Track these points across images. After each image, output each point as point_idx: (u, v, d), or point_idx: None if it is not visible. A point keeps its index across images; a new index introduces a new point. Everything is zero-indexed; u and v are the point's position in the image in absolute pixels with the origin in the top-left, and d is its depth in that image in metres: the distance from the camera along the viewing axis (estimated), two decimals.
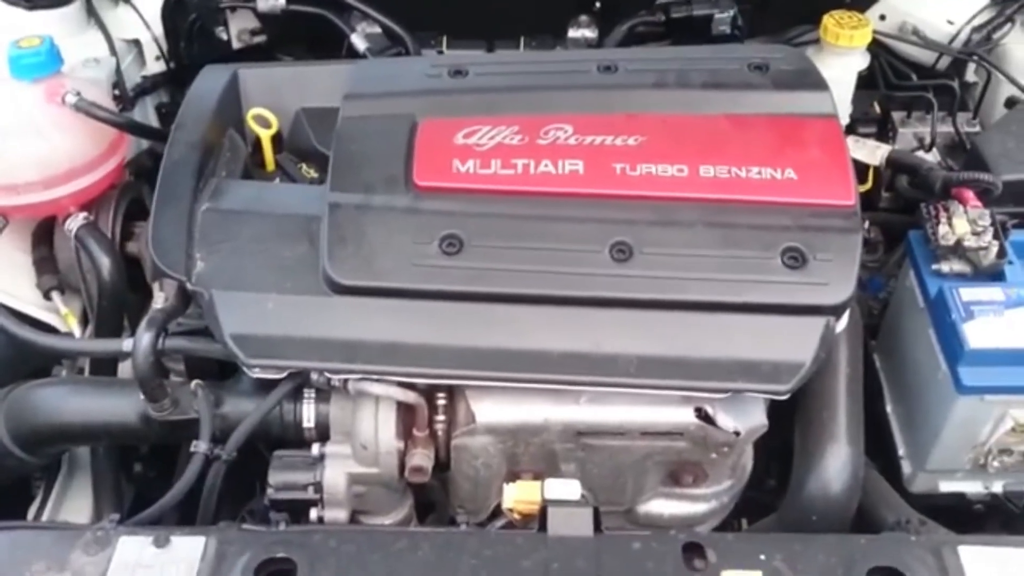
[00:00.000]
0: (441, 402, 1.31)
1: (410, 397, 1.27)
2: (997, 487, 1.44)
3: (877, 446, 1.51)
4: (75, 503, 1.57)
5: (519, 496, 1.18)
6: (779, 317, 1.28)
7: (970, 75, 1.95)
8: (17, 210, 1.57)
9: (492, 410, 1.28)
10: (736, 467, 1.39)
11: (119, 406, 1.35)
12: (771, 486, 1.58)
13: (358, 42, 1.83)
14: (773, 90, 1.50)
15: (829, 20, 1.76)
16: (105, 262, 1.56)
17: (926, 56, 1.91)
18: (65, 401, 1.39)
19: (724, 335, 1.27)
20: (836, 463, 1.35)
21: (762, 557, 1.10)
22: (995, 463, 1.39)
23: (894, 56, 1.91)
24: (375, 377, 1.25)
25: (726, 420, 1.28)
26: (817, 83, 1.51)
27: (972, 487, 1.45)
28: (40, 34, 1.61)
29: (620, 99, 1.49)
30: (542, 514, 1.15)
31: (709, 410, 1.28)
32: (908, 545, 1.13)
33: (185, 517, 1.36)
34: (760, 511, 1.52)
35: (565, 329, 1.27)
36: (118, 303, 1.57)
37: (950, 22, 1.91)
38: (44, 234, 1.70)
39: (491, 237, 1.32)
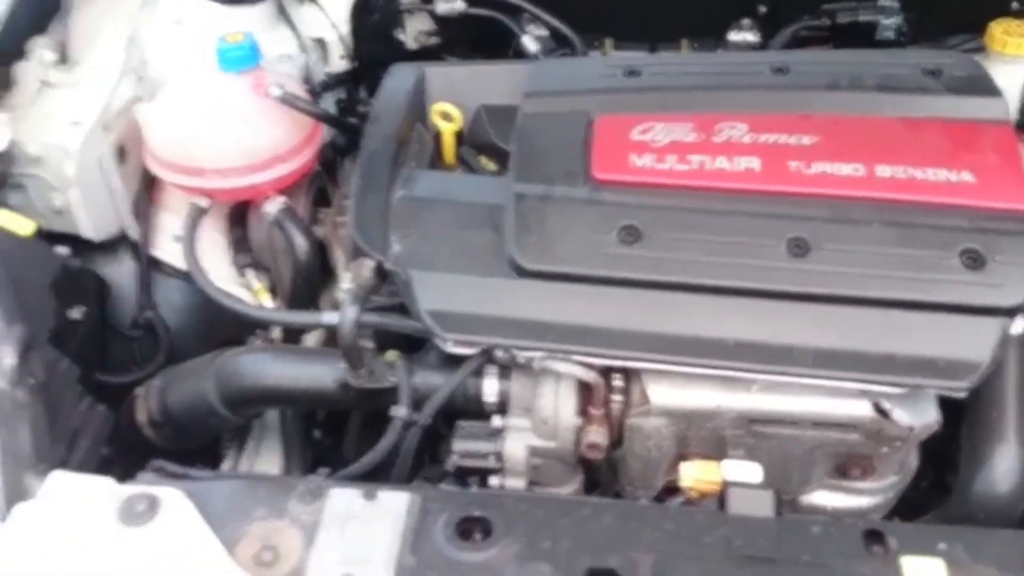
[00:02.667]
0: (617, 383, 1.38)
1: (590, 376, 1.34)
2: None
3: None
4: (265, 462, 1.71)
5: (699, 475, 1.24)
6: (956, 316, 1.31)
7: None
8: (223, 193, 1.71)
9: (667, 393, 1.35)
10: (904, 464, 1.42)
11: (319, 373, 1.47)
12: (924, 486, 1.60)
13: (529, 43, 1.92)
14: (947, 95, 1.53)
15: (996, 28, 1.77)
16: (302, 243, 1.69)
17: None
18: (270, 366, 1.51)
19: (902, 331, 1.30)
20: (1005, 462, 1.37)
21: (942, 546, 1.13)
22: None
23: None
24: (560, 356, 1.33)
25: (902, 415, 1.31)
26: (991, 89, 1.53)
27: None
28: (237, 30, 1.76)
29: (793, 99, 1.54)
30: (722, 493, 1.21)
31: (886, 405, 1.31)
32: None
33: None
34: (914, 511, 1.54)
35: (741, 319, 1.32)
36: (312, 282, 1.70)
37: None
38: (239, 216, 1.85)
39: (668, 228, 1.38)
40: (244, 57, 1.71)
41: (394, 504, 1.21)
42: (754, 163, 1.44)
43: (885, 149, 1.44)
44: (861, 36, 1.88)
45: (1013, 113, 1.80)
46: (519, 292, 1.37)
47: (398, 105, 1.64)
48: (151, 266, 1.80)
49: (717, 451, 1.39)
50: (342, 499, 1.21)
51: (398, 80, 1.71)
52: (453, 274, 1.40)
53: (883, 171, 1.41)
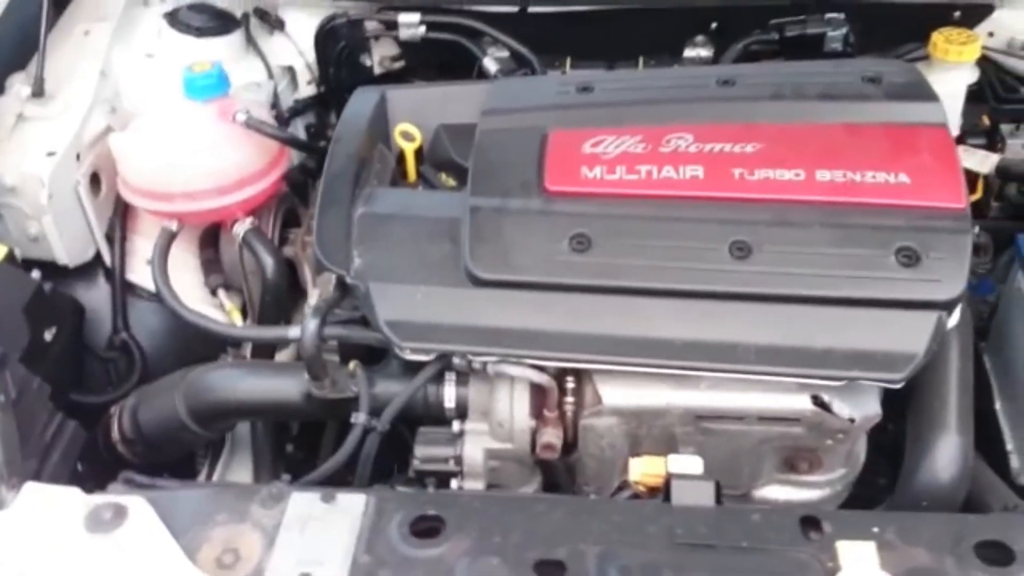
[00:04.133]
0: (570, 385, 1.43)
1: (543, 379, 1.39)
2: None
3: (987, 443, 1.56)
4: (236, 476, 1.76)
5: (645, 470, 1.28)
6: (893, 311, 1.36)
7: None
8: (192, 216, 1.77)
9: (617, 393, 1.40)
10: (850, 455, 1.46)
11: (285, 385, 1.52)
12: (882, 484, 1.64)
13: (489, 65, 1.98)
14: (886, 101, 1.58)
15: (939, 37, 1.83)
16: (269, 262, 1.75)
17: None
18: (238, 381, 1.57)
19: (840, 327, 1.35)
20: (947, 452, 1.42)
21: (875, 530, 1.18)
22: None
23: (1003, 71, 1.96)
24: (512, 360, 1.38)
25: (841, 407, 1.36)
26: (928, 95, 1.59)
27: None
28: (205, 60, 1.83)
29: (738, 110, 1.60)
30: (666, 485, 1.25)
31: (825, 397, 1.36)
32: (1015, 521, 1.19)
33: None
34: (871, 508, 1.58)
35: (687, 320, 1.37)
36: (279, 299, 1.75)
37: None
38: (210, 238, 1.90)
39: (617, 236, 1.44)
40: (212, 86, 1.78)
41: (351, 506, 1.25)
42: (699, 171, 1.49)
43: (825, 154, 1.49)
44: (810, 48, 1.94)
45: (956, 116, 1.87)
46: (474, 300, 1.43)
47: (360, 126, 1.70)
48: (126, 289, 1.85)
49: (669, 449, 1.43)
50: (302, 502, 1.26)
51: (360, 102, 1.77)
52: (411, 285, 1.45)
53: (823, 175, 1.46)
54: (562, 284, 1.41)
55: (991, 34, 1.99)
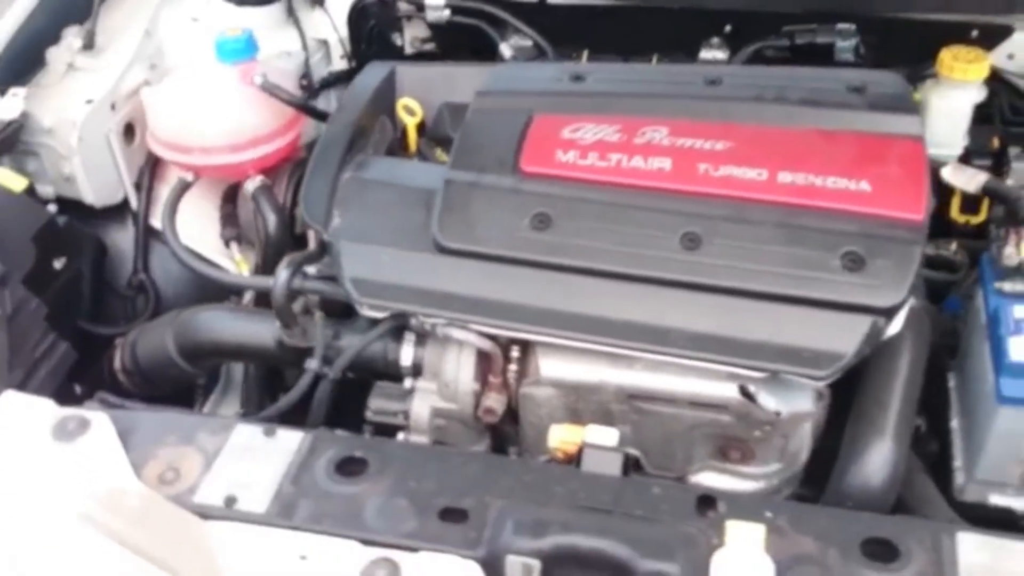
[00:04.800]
0: (515, 354, 1.50)
1: (486, 345, 1.47)
2: None
3: (941, 461, 1.57)
4: (225, 413, 1.88)
5: (563, 437, 1.35)
6: (830, 312, 1.39)
7: None
8: (206, 169, 1.90)
9: (555, 366, 1.46)
10: (784, 451, 1.49)
11: (261, 331, 1.63)
12: None
13: (505, 51, 2.06)
14: (865, 110, 1.60)
15: (946, 54, 1.83)
16: (272, 218, 1.86)
17: None
18: (221, 323, 1.69)
19: (774, 322, 1.39)
20: (879, 457, 1.43)
21: (768, 515, 1.22)
22: None
23: (1017, 94, 1.94)
24: (459, 324, 1.46)
25: (768, 400, 1.40)
26: (909, 107, 1.61)
27: (1022, 504, 1.49)
28: (243, 27, 1.96)
29: (718, 109, 1.64)
30: (579, 453, 1.32)
31: (752, 388, 1.40)
32: (908, 524, 1.22)
33: None
34: None
35: (628, 302, 1.43)
36: (281, 254, 1.85)
37: None
38: (231, 194, 2.04)
39: (576, 217, 1.50)
40: (239, 50, 1.91)
41: (289, 442, 1.36)
42: (666, 163, 1.54)
43: (792, 157, 1.53)
44: (821, 57, 1.96)
45: (960, 134, 1.87)
46: (434, 266, 1.51)
47: (363, 97, 1.81)
48: (149, 234, 2.00)
49: (607, 424, 1.49)
50: (244, 433, 1.37)
51: (369, 76, 1.88)
52: (380, 247, 1.54)
53: (784, 177, 1.50)
54: (518, 258, 1.48)
55: (1011, 56, 1.97)
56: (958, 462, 1.55)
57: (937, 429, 1.61)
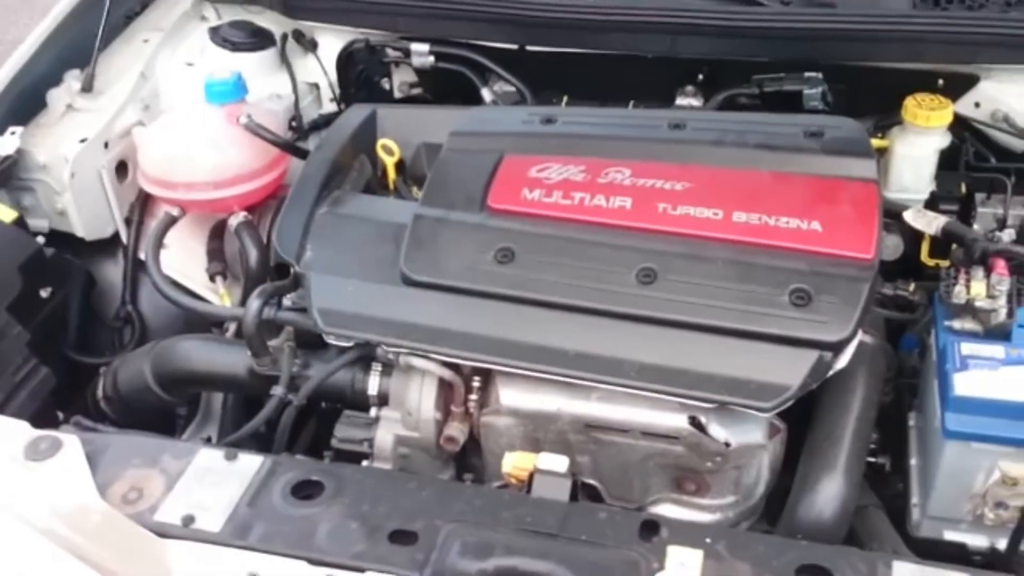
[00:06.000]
0: (476, 384, 1.54)
1: (447, 374, 1.51)
2: (1001, 543, 1.49)
3: (899, 499, 1.59)
4: None
5: (516, 463, 1.39)
6: (777, 346, 1.43)
7: None
8: (191, 204, 1.96)
9: (514, 395, 1.50)
10: (739, 484, 1.52)
11: (234, 360, 1.68)
12: None
13: (486, 95, 2.13)
14: (822, 154, 1.66)
15: (911, 101, 1.88)
16: (254, 252, 1.92)
17: (1018, 143, 1.97)
18: (196, 352, 1.75)
19: (723, 355, 1.43)
20: (830, 491, 1.46)
21: (707, 541, 1.25)
22: (991, 515, 1.45)
23: (983, 141, 1.98)
24: (420, 354, 1.51)
25: (718, 431, 1.44)
26: (864, 151, 1.66)
27: (975, 540, 1.51)
28: (233, 70, 2.04)
29: (679, 151, 1.69)
30: (530, 479, 1.35)
31: (702, 419, 1.44)
32: (845, 553, 1.24)
33: None
34: None
35: (584, 334, 1.47)
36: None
37: None
38: (218, 230, 2.10)
39: (538, 252, 1.55)
40: (226, 92, 1.98)
41: (248, 465, 1.40)
42: (627, 202, 1.60)
43: (747, 198, 1.58)
44: (791, 105, 2.01)
45: (925, 180, 1.91)
46: (400, 298, 1.56)
47: (343, 136, 1.88)
48: (138, 267, 2.06)
49: (566, 454, 1.52)
50: (206, 457, 1.42)
51: (350, 117, 1.95)
52: (348, 279, 1.60)
53: (739, 216, 1.55)
54: (480, 291, 1.53)
55: (977, 104, 2.02)
56: (915, 499, 1.57)
57: (901, 468, 1.63)
